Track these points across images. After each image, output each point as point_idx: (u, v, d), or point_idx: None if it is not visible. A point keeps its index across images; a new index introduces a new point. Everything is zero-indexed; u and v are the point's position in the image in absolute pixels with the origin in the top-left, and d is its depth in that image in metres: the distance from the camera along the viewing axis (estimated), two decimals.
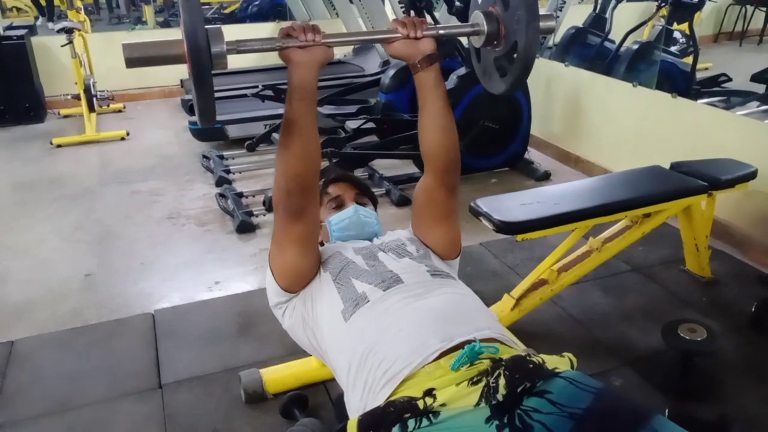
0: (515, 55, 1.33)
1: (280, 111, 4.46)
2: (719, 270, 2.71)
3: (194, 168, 4.14)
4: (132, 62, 1.20)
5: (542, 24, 1.28)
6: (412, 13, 3.87)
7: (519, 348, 1.25)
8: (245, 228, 3.19)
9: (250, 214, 3.28)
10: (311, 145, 1.31)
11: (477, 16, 1.37)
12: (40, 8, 5.40)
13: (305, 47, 1.26)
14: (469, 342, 1.15)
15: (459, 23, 1.37)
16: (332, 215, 1.64)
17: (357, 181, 1.79)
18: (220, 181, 3.78)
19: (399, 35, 1.35)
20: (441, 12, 4.53)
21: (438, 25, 1.37)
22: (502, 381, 1.04)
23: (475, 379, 1.06)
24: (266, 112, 4.39)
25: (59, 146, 4.62)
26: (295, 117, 1.27)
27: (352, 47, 6.28)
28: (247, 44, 1.24)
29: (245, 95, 4.46)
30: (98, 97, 4.92)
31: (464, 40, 3.76)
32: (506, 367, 1.06)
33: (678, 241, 2.68)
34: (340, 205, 1.66)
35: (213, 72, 1.16)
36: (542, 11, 1.28)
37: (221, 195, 3.56)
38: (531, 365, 1.08)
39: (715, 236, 2.78)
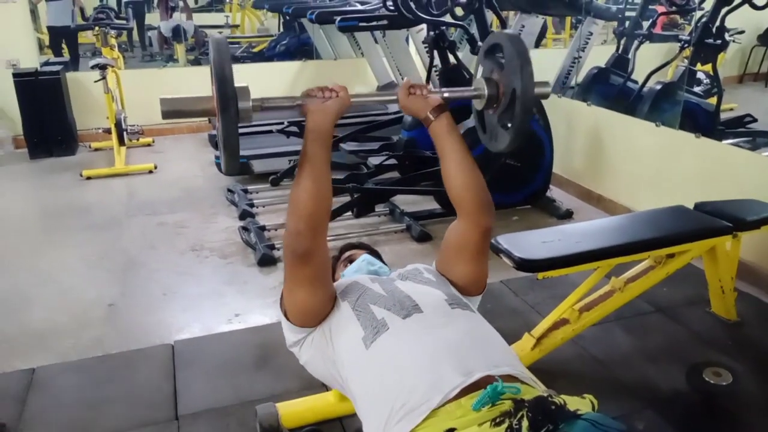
0: (515, 104, 1.41)
1: None
2: (745, 312, 2.65)
3: (219, 201, 4.20)
4: (168, 114, 1.33)
5: (537, 90, 1.41)
6: (435, 53, 3.94)
7: (539, 388, 1.24)
8: (266, 261, 3.22)
9: (272, 247, 3.31)
10: (324, 185, 1.35)
11: (479, 82, 1.50)
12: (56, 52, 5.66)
13: (320, 107, 1.39)
14: (488, 377, 1.15)
15: (462, 87, 1.51)
16: (346, 270, 1.74)
17: (369, 247, 1.93)
18: (244, 215, 3.83)
19: (408, 93, 1.47)
20: (464, 52, 4.60)
21: (442, 89, 1.48)
22: (525, 423, 1.03)
23: (497, 420, 1.05)
24: (291, 148, 4.46)
25: (89, 178, 4.73)
26: (309, 159, 1.34)
27: (376, 86, 6.39)
28: (271, 101, 1.38)
29: (271, 131, 4.55)
30: (128, 131, 5.05)
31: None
32: (529, 408, 1.05)
33: (703, 282, 2.63)
34: (352, 262, 1.78)
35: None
36: (538, 79, 1.41)
37: (244, 228, 3.60)
38: (553, 406, 1.07)
39: (740, 278, 2.73)
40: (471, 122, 3.53)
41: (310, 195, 1.33)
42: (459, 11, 3.78)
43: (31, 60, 5.43)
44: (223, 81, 1.24)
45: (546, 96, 1.48)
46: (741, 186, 2.94)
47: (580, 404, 1.13)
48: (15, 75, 5.14)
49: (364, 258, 1.76)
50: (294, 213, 1.34)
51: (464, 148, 1.47)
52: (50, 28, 5.89)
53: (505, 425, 1.04)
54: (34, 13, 5.68)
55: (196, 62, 6.83)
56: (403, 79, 5.34)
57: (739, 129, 3.87)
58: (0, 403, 2.16)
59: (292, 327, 1.44)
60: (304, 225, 1.33)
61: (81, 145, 5.59)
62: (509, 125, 1.45)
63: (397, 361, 1.25)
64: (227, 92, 1.24)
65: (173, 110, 1.33)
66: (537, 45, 5.24)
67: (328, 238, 1.42)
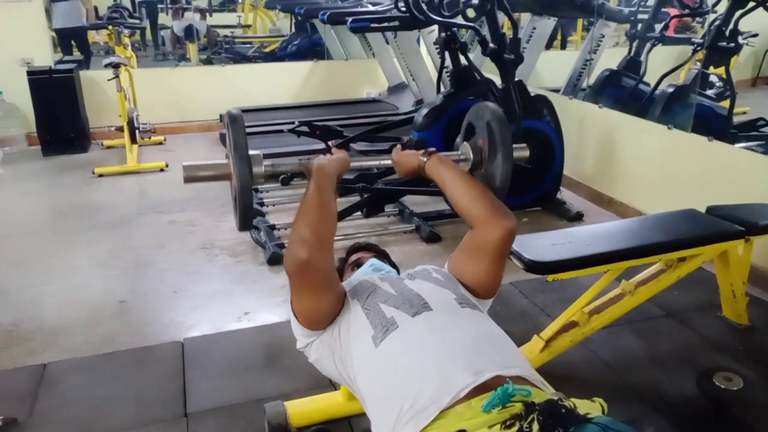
0: (495, 184, 1.61)
1: (315, 146, 4.57)
2: (757, 317, 2.63)
3: (229, 200, 4.15)
4: (189, 180, 1.56)
5: (516, 154, 1.65)
6: (447, 54, 3.94)
7: (549, 390, 1.23)
8: (276, 260, 3.23)
9: (282, 246, 3.32)
10: (330, 207, 1.43)
11: (465, 147, 1.72)
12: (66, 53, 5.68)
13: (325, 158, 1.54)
14: (499, 378, 1.15)
15: (449, 152, 1.74)
16: (353, 275, 1.74)
17: (377, 248, 1.95)
18: (254, 214, 3.84)
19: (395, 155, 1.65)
20: (475, 54, 4.59)
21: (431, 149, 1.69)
22: (535, 426, 1.02)
23: (508, 423, 1.05)
24: (301, 148, 4.46)
25: (101, 176, 4.77)
26: (317, 187, 1.44)
27: (387, 87, 6.40)
28: (280, 165, 1.61)
29: (281, 131, 4.56)
30: (141, 129, 5.08)
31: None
32: (540, 411, 1.05)
33: (714, 286, 2.62)
34: (360, 265, 1.79)
35: (247, 131, 1.50)
36: (515, 145, 1.65)
37: (254, 227, 3.61)
38: (564, 410, 1.06)
39: (752, 283, 2.71)
40: None
41: (317, 208, 1.39)
42: (471, 13, 3.78)
43: (45, 58, 5.48)
44: (239, 151, 1.45)
45: (525, 159, 1.72)
46: (754, 190, 2.92)
47: (591, 408, 1.12)
48: (29, 73, 5.19)
49: (371, 263, 1.76)
50: (301, 223, 1.36)
51: (459, 173, 1.55)
52: (58, 31, 5.92)
53: (516, 428, 1.03)
54: (48, 11, 5.72)
55: (208, 62, 6.87)
56: (414, 80, 5.35)
57: (752, 132, 3.84)
58: (11, 398, 2.18)
59: (302, 330, 1.44)
60: (311, 232, 1.33)
61: (93, 142, 5.64)
62: (494, 183, 1.63)
63: (407, 360, 1.25)
64: (243, 160, 1.45)
65: (194, 176, 1.56)
66: (548, 47, 5.23)
67: (336, 238, 1.44)
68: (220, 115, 6.01)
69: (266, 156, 4.99)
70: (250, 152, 1.47)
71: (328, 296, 1.40)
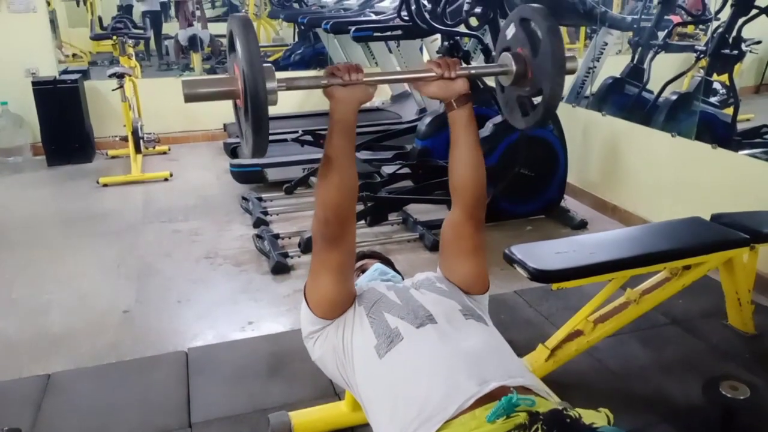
0: (539, 101, 1.42)
1: (319, 156, 4.54)
2: (763, 325, 2.61)
3: (233, 209, 4.23)
4: (190, 97, 1.26)
5: (568, 65, 1.38)
6: None
7: (553, 400, 1.23)
8: (280, 269, 3.23)
9: (286, 255, 3.32)
10: (349, 177, 1.38)
11: (505, 57, 1.48)
12: None
13: (347, 85, 1.35)
14: (503, 388, 1.15)
15: (489, 65, 1.48)
16: (358, 279, 1.74)
17: (381, 255, 1.94)
18: (258, 223, 3.85)
19: (434, 75, 1.43)
20: (478, 62, 4.61)
21: (470, 65, 1.46)
22: None
23: None
24: (305, 157, 4.48)
25: (105, 185, 4.78)
26: (335, 150, 1.36)
27: (390, 96, 6.42)
28: (296, 81, 1.36)
29: (285, 140, 4.58)
30: (145, 139, 5.10)
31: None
32: (544, 421, 1.05)
33: (720, 294, 2.61)
34: (364, 271, 1.79)
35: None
36: (567, 53, 1.39)
37: (258, 236, 3.61)
38: (568, 420, 1.06)
39: (758, 290, 2.70)
40: (486, 131, 3.55)
41: (336, 186, 1.36)
42: (474, 22, 3.79)
43: (49, 68, 5.50)
44: (250, 58, 1.18)
45: (574, 70, 1.45)
46: (758, 197, 2.91)
47: (596, 418, 1.12)
48: (34, 83, 5.21)
49: (376, 267, 1.77)
50: (322, 204, 1.37)
51: (476, 142, 1.49)
52: None
53: None
54: (53, 22, 5.76)
55: (212, 71, 6.89)
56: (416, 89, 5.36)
57: (755, 140, 3.83)
58: (15, 409, 2.18)
59: (311, 317, 1.44)
60: (332, 215, 1.36)
61: (98, 152, 5.66)
62: (527, 115, 1.49)
63: (412, 372, 1.25)
64: (255, 70, 1.18)
65: (196, 93, 1.26)
66: None
67: (355, 223, 1.44)
68: (224, 125, 6.04)
69: (270, 165, 4.98)
70: (263, 65, 1.21)
71: (345, 282, 1.43)
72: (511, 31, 1.51)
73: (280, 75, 1.28)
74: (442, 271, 1.58)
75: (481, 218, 1.51)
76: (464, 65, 1.48)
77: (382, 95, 6.59)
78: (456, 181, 1.51)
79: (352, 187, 1.39)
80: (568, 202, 4.09)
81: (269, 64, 1.26)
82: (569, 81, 4.73)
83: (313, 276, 1.44)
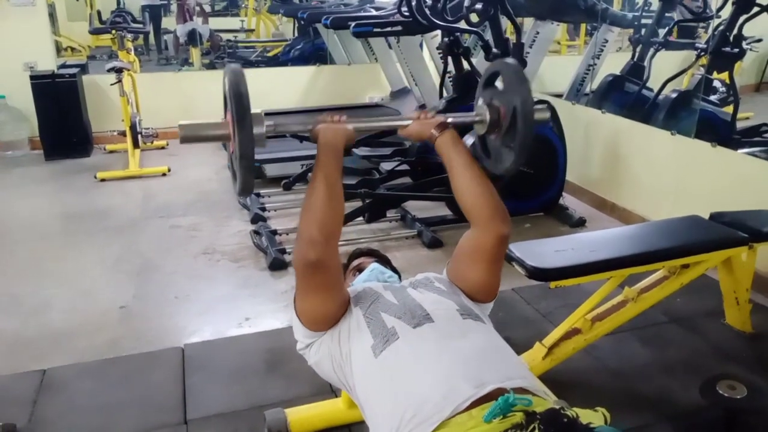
0: (516, 122, 1.47)
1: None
2: (760, 324, 2.61)
3: (232, 205, 4.22)
4: (186, 139, 1.42)
5: (537, 116, 1.49)
6: (450, 59, 3.93)
7: (551, 400, 1.23)
8: (278, 265, 3.22)
9: (283, 251, 3.31)
10: (336, 194, 1.39)
11: (480, 107, 1.57)
12: None
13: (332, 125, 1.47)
14: (501, 390, 1.14)
15: (465, 113, 1.58)
16: (355, 279, 1.73)
17: (379, 253, 1.94)
18: (256, 219, 3.84)
19: (412, 118, 1.55)
20: (479, 59, 4.59)
21: (446, 114, 1.61)
22: None
23: None
24: (303, 152, 4.47)
25: (103, 180, 4.76)
26: (322, 167, 1.40)
27: (389, 92, 6.40)
28: (283, 126, 1.47)
29: (284, 135, 4.55)
30: (143, 134, 5.09)
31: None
32: (541, 420, 1.04)
33: (718, 293, 2.60)
34: (361, 270, 1.78)
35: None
36: (537, 103, 1.53)
37: (256, 232, 3.60)
38: (565, 419, 1.06)
39: (756, 290, 2.69)
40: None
41: (323, 202, 1.35)
42: (474, 17, 3.77)
43: (48, 62, 5.48)
44: (240, 107, 1.29)
45: (546, 120, 1.59)
46: (757, 196, 2.91)
47: (593, 417, 1.11)
48: (32, 77, 5.19)
49: (373, 267, 1.76)
50: (307, 219, 1.35)
51: (470, 159, 1.50)
52: None
53: None
54: (52, 16, 5.74)
55: (211, 66, 6.88)
56: (416, 85, 5.35)
57: (755, 138, 3.83)
58: (10, 405, 2.17)
59: (304, 330, 1.44)
60: (318, 231, 1.33)
61: (96, 147, 5.64)
62: (512, 144, 1.51)
63: (407, 371, 1.24)
64: (244, 118, 1.29)
65: (191, 135, 1.41)
66: None
67: (338, 243, 1.43)
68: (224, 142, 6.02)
69: (269, 161, 4.96)
70: (252, 113, 1.31)
71: (333, 297, 1.40)
72: (486, 82, 1.61)
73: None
74: (449, 274, 1.56)
75: (504, 232, 1.46)
76: (441, 115, 1.56)
77: (381, 91, 6.57)
78: (465, 205, 1.49)
79: (339, 206, 1.40)
80: (567, 199, 4.08)
81: (259, 112, 1.36)
82: (569, 78, 4.72)
83: (300, 298, 1.42)
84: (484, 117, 1.55)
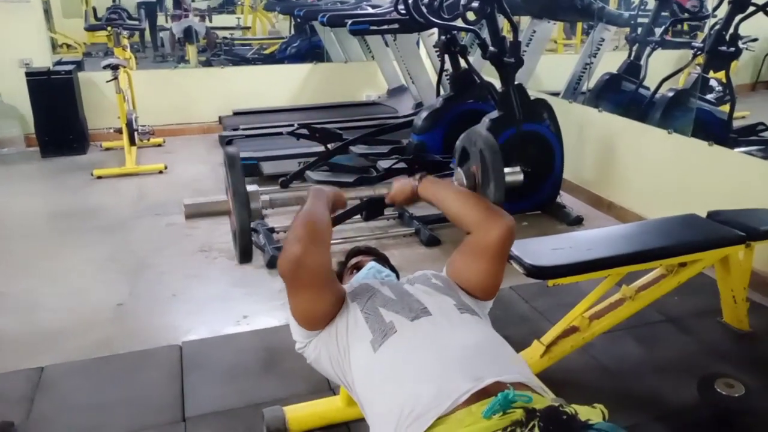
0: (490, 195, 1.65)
1: (315, 149, 4.54)
2: (758, 323, 2.62)
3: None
4: (190, 216, 1.77)
5: (508, 179, 1.69)
6: (446, 57, 3.93)
7: (549, 396, 1.23)
8: (275, 263, 3.20)
9: (281, 249, 3.30)
10: (324, 223, 1.46)
11: (458, 173, 1.75)
12: None
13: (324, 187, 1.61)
14: (498, 384, 1.14)
15: (444, 178, 1.84)
16: (353, 278, 1.74)
17: (377, 251, 1.97)
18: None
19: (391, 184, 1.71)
20: (475, 57, 4.59)
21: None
22: None
23: (508, 430, 1.04)
24: (300, 150, 4.46)
25: (99, 177, 4.75)
26: (311, 205, 1.49)
27: (386, 89, 6.40)
28: (278, 200, 1.68)
29: (280, 133, 4.55)
30: (139, 131, 5.06)
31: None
32: (541, 417, 1.04)
33: (715, 292, 2.61)
34: (359, 269, 1.79)
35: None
36: (508, 170, 1.70)
37: (253, 230, 3.60)
38: (565, 416, 1.06)
39: (753, 288, 2.70)
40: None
41: (312, 217, 1.43)
42: (471, 16, 3.77)
43: (43, 59, 5.46)
44: (237, 189, 1.54)
45: (518, 183, 1.75)
46: (754, 195, 2.92)
47: (591, 414, 1.11)
48: (28, 74, 5.17)
49: (371, 266, 1.76)
50: (295, 223, 1.39)
51: (452, 188, 1.63)
52: None
53: None
54: (47, 12, 5.71)
55: (207, 63, 6.86)
56: (413, 83, 5.35)
57: (751, 137, 3.84)
58: (8, 402, 2.16)
59: (300, 330, 1.44)
60: (304, 231, 1.36)
61: (92, 144, 5.62)
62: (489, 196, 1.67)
63: (405, 365, 1.24)
64: (241, 198, 1.54)
65: (195, 213, 1.77)
66: None
67: (336, 241, 1.45)
68: (219, 117, 6.01)
69: (266, 159, 4.94)
70: (248, 190, 1.56)
71: (323, 295, 1.40)
72: (464, 150, 1.79)
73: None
74: (449, 273, 1.56)
75: (508, 224, 1.47)
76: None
77: (378, 89, 6.57)
78: (464, 223, 1.53)
79: (327, 229, 1.46)
80: (564, 198, 4.09)
81: (255, 188, 1.60)
82: (565, 77, 4.73)
83: (291, 297, 1.41)
84: (462, 182, 1.74)
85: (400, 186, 1.70)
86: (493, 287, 1.52)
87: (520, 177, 1.75)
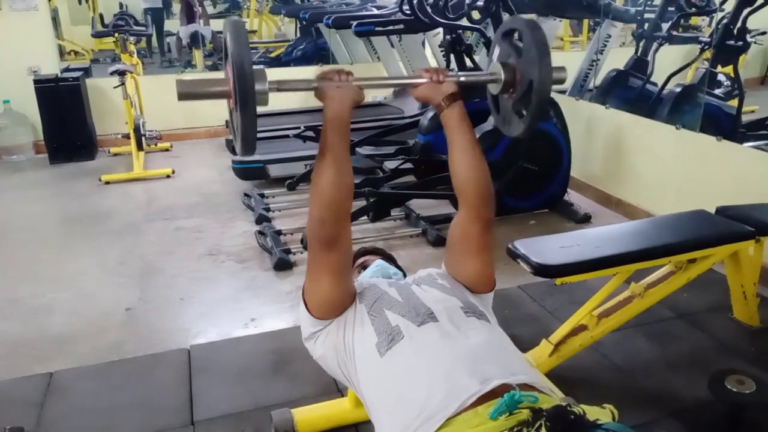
0: (531, 94, 1.42)
1: None
2: None
3: (236, 206, 4.22)
4: (183, 96, 1.31)
5: (555, 75, 1.42)
6: (452, 56, 3.93)
7: (557, 396, 1.22)
8: (283, 265, 3.22)
9: (288, 251, 3.31)
10: (345, 174, 1.37)
11: (495, 66, 1.51)
12: None
13: (338, 86, 1.37)
14: (506, 386, 1.13)
15: (478, 72, 1.53)
16: (360, 276, 1.73)
17: (383, 251, 1.94)
18: (260, 219, 3.84)
19: (424, 80, 1.46)
20: (481, 56, 4.58)
21: (459, 73, 1.47)
22: None
23: (515, 430, 1.04)
24: (307, 153, 4.46)
25: (107, 183, 4.78)
26: (330, 148, 1.35)
27: (392, 90, 6.39)
28: (287, 84, 1.39)
29: (287, 136, 4.57)
30: (147, 136, 5.09)
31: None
32: (547, 417, 1.04)
33: (725, 288, 2.59)
34: (366, 268, 1.78)
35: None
36: (555, 64, 1.42)
37: (260, 233, 3.60)
38: (572, 416, 1.05)
39: (763, 284, 2.67)
40: (488, 126, 3.53)
41: (332, 182, 1.34)
42: (476, 15, 3.77)
43: (51, 66, 5.50)
44: (240, 62, 1.23)
45: (562, 81, 1.48)
46: (763, 190, 2.88)
47: (600, 414, 1.11)
48: (36, 81, 5.21)
49: (378, 264, 1.75)
50: (317, 201, 1.35)
51: (473, 139, 1.48)
52: None
53: None
54: (55, 20, 5.75)
55: (214, 68, 6.88)
56: None
57: (760, 132, 3.80)
58: (18, 407, 2.17)
59: (311, 318, 1.43)
60: (327, 212, 1.34)
61: (100, 150, 5.66)
62: (524, 113, 1.48)
63: (413, 371, 1.24)
64: (245, 73, 1.23)
65: (189, 92, 1.31)
66: None
67: (350, 220, 1.44)
68: (226, 121, 6.02)
69: (273, 161, 4.96)
70: (254, 67, 1.25)
71: (342, 282, 1.41)
72: (498, 48, 1.57)
73: (272, 76, 1.29)
74: (447, 269, 1.56)
75: (489, 218, 1.48)
76: (453, 72, 1.50)
77: (384, 90, 6.56)
78: (458, 181, 1.49)
79: (348, 184, 1.38)
80: (572, 196, 4.07)
81: (261, 67, 1.30)
82: (572, 74, 4.70)
83: (311, 278, 1.42)
84: (499, 77, 1.49)
85: (428, 93, 1.50)
86: (487, 280, 1.52)
87: (564, 75, 1.48)
